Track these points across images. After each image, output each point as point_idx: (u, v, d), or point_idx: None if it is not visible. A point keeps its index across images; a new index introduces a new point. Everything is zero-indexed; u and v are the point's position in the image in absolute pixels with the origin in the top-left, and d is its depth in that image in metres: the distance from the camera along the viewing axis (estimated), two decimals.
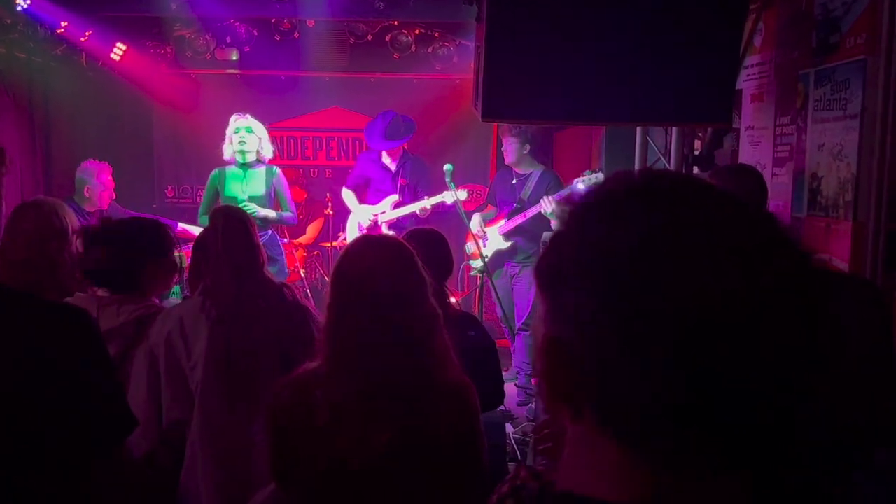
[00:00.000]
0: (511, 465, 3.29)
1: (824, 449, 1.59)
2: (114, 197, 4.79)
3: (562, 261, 0.60)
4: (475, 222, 5.06)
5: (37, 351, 1.45)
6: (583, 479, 0.59)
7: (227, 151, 4.56)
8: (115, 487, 1.45)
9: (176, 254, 2.31)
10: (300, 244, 5.91)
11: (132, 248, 2.17)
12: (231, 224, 2.20)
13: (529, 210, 4.76)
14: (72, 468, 1.38)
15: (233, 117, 4.57)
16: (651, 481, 0.56)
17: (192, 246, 2.43)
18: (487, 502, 0.78)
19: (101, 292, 2.17)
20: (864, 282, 2.28)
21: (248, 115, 4.56)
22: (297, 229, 5.85)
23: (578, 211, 0.60)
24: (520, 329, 4.84)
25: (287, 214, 4.70)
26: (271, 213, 4.59)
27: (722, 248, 0.54)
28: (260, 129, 4.59)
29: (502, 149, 5.10)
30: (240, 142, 4.49)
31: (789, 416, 0.55)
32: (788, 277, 0.54)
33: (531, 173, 4.97)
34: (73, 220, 2.17)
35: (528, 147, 4.95)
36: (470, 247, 4.95)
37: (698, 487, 0.55)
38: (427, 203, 5.07)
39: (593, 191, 0.61)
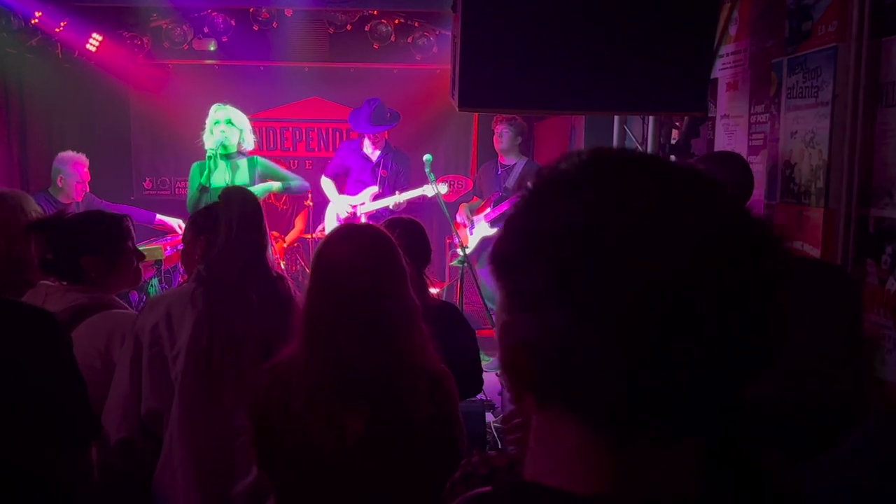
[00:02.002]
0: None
1: (787, 431, 1.62)
2: (87, 189, 4.71)
3: (513, 245, 0.58)
4: (462, 211, 5.25)
5: (3, 354, 1.44)
6: (544, 469, 0.59)
7: (207, 141, 4.45)
8: (82, 488, 1.45)
9: (130, 246, 2.28)
10: (280, 236, 5.88)
11: (67, 241, 2.15)
12: (248, 209, 2.12)
13: (513, 198, 4.82)
14: (36, 469, 1.38)
15: (213, 107, 4.48)
16: (608, 468, 0.55)
17: (182, 233, 2.36)
18: (443, 490, 0.77)
19: (51, 281, 2.17)
20: (832, 266, 2.30)
21: (228, 106, 4.48)
22: (285, 223, 5.85)
23: (528, 194, 0.59)
24: None
25: (295, 183, 4.70)
26: (275, 185, 4.61)
27: (669, 224, 0.53)
28: (240, 120, 4.50)
29: (496, 135, 5.25)
30: (221, 132, 4.43)
31: (737, 392, 0.55)
32: (738, 257, 0.53)
33: (516, 164, 5.23)
34: (38, 214, 2.15)
35: (519, 139, 5.25)
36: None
37: (654, 467, 0.55)
38: (401, 198, 5.10)
39: (543, 173, 0.60)
